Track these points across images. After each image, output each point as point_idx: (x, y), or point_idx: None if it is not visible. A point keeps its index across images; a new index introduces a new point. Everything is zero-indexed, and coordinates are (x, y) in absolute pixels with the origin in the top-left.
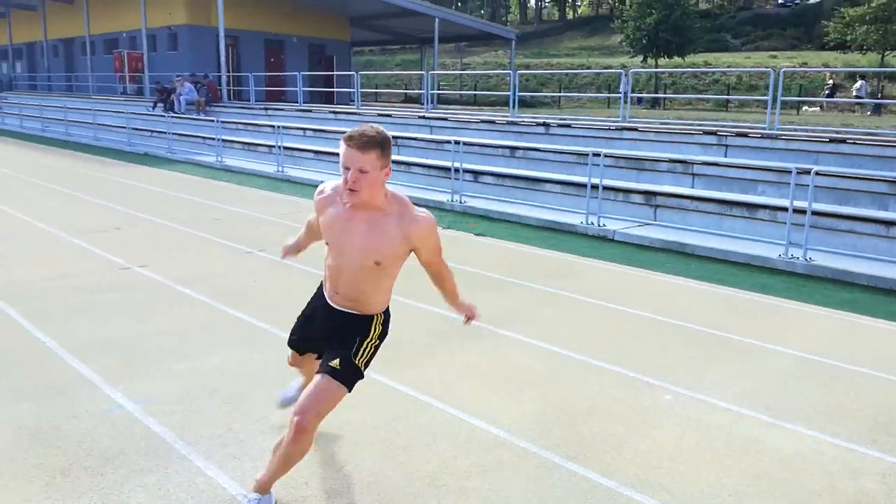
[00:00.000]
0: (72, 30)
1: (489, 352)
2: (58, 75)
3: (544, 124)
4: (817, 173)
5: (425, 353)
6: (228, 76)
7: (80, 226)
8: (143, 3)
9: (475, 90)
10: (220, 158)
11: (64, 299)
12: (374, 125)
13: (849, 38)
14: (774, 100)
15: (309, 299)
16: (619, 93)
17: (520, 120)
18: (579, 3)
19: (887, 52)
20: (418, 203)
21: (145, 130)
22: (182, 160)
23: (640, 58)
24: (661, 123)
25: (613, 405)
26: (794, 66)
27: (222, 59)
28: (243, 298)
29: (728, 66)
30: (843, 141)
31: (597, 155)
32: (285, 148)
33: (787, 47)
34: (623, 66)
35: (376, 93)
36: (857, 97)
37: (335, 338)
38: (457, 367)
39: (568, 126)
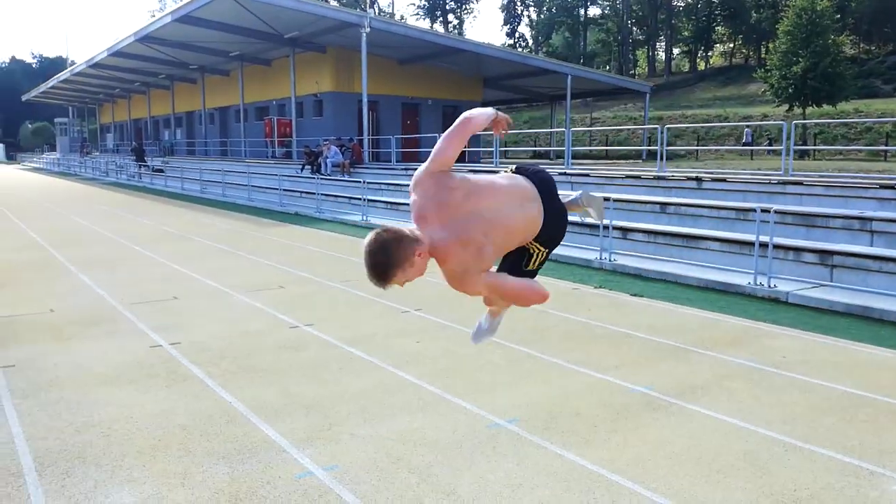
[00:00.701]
0: (227, 99)
1: (677, 429)
2: (213, 140)
3: (696, 178)
4: None
5: (607, 427)
6: (369, 139)
7: (245, 283)
8: (292, 74)
9: (606, 144)
10: (365, 217)
11: (243, 358)
12: (378, 233)
13: None
14: None
15: None
16: (759, 144)
17: (668, 174)
18: (711, 54)
19: None
20: (564, 261)
21: (295, 191)
22: (329, 219)
23: (786, 107)
24: (821, 176)
25: (835, 497)
26: None
27: (364, 122)
28: (410, 360)
29: (881, 114)
30: None
31: (765, 211)
32: None
33: None
34: (764, 116)
35: (505, 150)
36: None
37: None
38: (645, 444)
39: (723, 180)
